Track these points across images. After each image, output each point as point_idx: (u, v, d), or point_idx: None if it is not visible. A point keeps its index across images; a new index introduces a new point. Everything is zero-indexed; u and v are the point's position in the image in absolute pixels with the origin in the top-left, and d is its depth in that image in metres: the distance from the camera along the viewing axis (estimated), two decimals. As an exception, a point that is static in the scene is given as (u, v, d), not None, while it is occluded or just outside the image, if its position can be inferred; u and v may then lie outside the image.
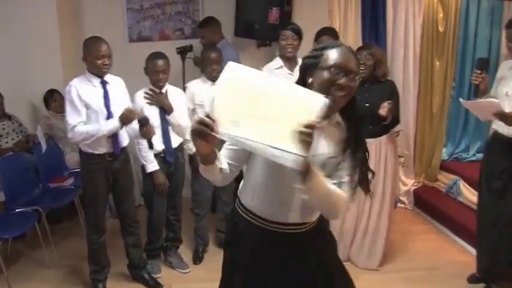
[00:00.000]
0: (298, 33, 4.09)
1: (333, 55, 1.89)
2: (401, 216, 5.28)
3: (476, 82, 3.38)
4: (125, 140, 3.61)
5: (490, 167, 3.61)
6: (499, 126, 3.47)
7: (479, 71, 3.38)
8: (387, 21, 5.36)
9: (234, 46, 4.98)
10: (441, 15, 5.42)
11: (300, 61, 3.93)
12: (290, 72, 4.08)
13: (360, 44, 5.10)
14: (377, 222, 4.13)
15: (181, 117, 3.83)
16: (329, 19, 5.28)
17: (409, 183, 5.60)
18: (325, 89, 1.84)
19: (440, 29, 5.44)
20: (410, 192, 5.56)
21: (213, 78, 4.01)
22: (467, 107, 3.66)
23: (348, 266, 4.04)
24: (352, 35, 5.27)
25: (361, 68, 3.78)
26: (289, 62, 4.13)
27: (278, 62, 4.14)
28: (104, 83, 3.46)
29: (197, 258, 4.25)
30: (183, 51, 4.82)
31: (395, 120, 3.98)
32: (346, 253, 4.20)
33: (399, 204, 5.53)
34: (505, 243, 3.55)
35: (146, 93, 3.76)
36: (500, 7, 5.51)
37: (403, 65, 5.41)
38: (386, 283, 3.95)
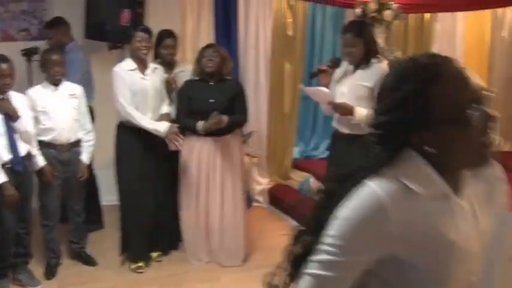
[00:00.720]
0: (151, 35, 4.11)
1: None
2: (257, 215, 5.48)
3: (320, 67, 3.85)
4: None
5: (334, 163, 3.93)
6: (338, 125, 3.84)
7: (329, 64, 3.85)
8: (239, 24, 5.53)
9: (83, 49, 4.83)
10: (290, 19, 5.70)
11: (151, 65, 3.97)
12: (142, 76, 4.08)
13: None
14: (233, 220, 4.31)
15: (27, 123, 3.68)
16: (181, 22, 5.31)
17: (263, 182, 5.81)
18: None
19: (289, 33, 5.71)
20: (265, 191, 5.78)
21: (56, 82, 3.92)
22: (307, 93, 4.15)
23: (210, 265, 4.25)
24: (205, 37, 5.35)
25: (209, 65, 4.09)
26: (142, 64, 4.11)
27: (131, 63, 4.09)
28: None
29: (49, 273, 4.08)
30: (29, 53, 4.63)
31: (244, 119, 4.32)
32: (207, 253, 4.36)
33: (255, 204, 5.73)
34: None
35: None
36: (342, 13, 5.92)
37: (255, 67, 5.62)
38: (248, 281, 4.08)
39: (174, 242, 4.49)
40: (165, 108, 4.27)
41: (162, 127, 3.97)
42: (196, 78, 4.22)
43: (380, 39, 5.47)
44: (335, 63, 3.86)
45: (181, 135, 4.00)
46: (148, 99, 4.08)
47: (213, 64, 4.13)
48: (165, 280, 4.10)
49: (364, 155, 1.42)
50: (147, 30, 4.09)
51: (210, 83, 4.19)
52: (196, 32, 5.39)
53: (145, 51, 4.05)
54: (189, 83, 4.26)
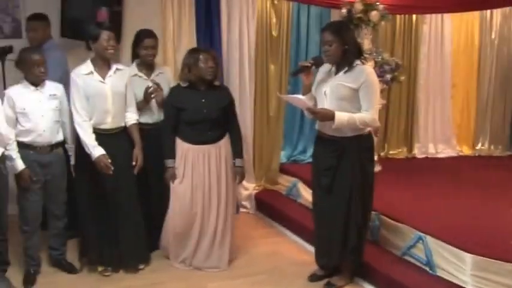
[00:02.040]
0: (117, 35, 4.08)
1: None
2: (243, 221, 5.48)
3: (301, 64, 3.85)
4: None
5: (318, 166, 3.98)
6: (320, 126, 3.89)
7: (312, 61, 3.84)
8: (222, 25, 5.53)
9: (62, 48, 4.77)
10: (274, 19, 5.73)
11: (114, 66, 3.90)
12: (101, 80, 4.00)
13: (195, 46, 5.22)
14: (224, 225, 4.31)
15: (0, 125, 3.62)
16: (162, 21, 5.29)
17: (250, 187, 5.81)
18: None
19: (274, 33, 5.73)
20: (251, 197, 5.79)
21: (39, 82, 3.87)
22: (285, 100, 4.45)
23: (195, 272, 4.19)
24: (187, 37, 5.35)
25: (210, 72, 4.12)
26: (105, 66, 4.03)
27: (88, 66, 3.99)
28: None
29: (28, 282, 4.01)
30: (2, 53, 4.55)
31: (240, 132, 4.48)
32: (189, 260, 4.33)
33: (241, 209, 5.72)
34: (337, 237, 3.90)
35: None
36: (327, 13, 5.96)
37: (239, 69, 5.62)
38: (235, 289, 4.08)
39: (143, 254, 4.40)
40: (133, 118, 4.21)
41: (96, 152, 3.90)
42: (184, 84, 4.19)
43: (366, 40, 5.49)
44: (318, 61, 3.86)
45: (110, 166, 3.93)
46: (107, 103, 4.01)
47: (213, 72, 4.15)
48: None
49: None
50: (113, 29, 4.04)
51: (201, 90, 4.19)
52: (178, 32, 5.37)
53: (112, 51, 3.98)
54: (176, 90, 4.26)
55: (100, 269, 4.19)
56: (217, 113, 4.17)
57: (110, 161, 3.93)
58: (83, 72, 3.96)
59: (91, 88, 3.95)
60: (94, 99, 3.96)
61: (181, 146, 4.20)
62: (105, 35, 3.92)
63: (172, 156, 4.21)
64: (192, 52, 4.23)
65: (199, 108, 4.12)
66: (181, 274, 4.27)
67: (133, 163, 4.13)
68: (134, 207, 4.22)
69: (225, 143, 4.31)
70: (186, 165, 4.20)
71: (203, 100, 4.14)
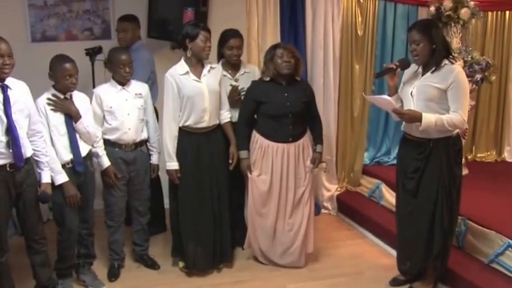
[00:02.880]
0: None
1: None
2: (324, 222, 5.42)
3: (390, 66, 3.75)
4: (28, 150, 3.43)
5: (403, 168, 3.88)
6: (406, 128, 3.79)
7: (397, 63, 3.75)
8: (306, 24, 5.47)
9: (148, 48, 4.87)
10: (360, 18, 5.61)
11: (208, 65, 3.94)
12: (197, 79, 4.02)
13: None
14: (300, 224, 4.30)
15: (88, 123, 3.74)
16: (247, 21, 5.30)
17: (332, 188, 5.72)
18: None
19: (359, 32, 5.62)
20: (333, 198, 5.70)
21: (125, 82, 3.95)
22: (370, 101, 4.47)
23: (276, 273, 4.23)
24: (271, 37, 5.33)
25: (287, 66, 4.11)
26: (200, 65, 4.05)
27: (184, 66, 4.02)
28: (4, 88, 3.27)
29: (112, 275, 4.14)
30: (92, 53, 4.71)
31: (321, 125, 4.47)
32: (268, 254, 4.39)
33: (323, 210, 5.65)
34: (421, 242, 3.76)
35: (49, 99, 3.62)
36: (415, 12, 5.79)
37: (323, 69, 5.53)
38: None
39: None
40: (227, 116, 4.24)
41: (172, 165, 4.01)
42: (266, 79, 4.18)
43: (456, 39, 5.29)
44: (404, 64, 3.75)
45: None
46: (205, 102, 4.02)
47: (291, 66, 4.12)
48: (229, 287, 4.07)
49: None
50: (209, 30, 4.05)
51: (282, 85, 4.19)
52: (262, 31, 5.37)
53: (208, 52, 4.01)
54: (257, 84, 4.25)
55: (181, 265, 4.25)
56: (300, 106, 4.17)
57: (179, 175, 4.04)
58: (180, 73, 3.99)
59: (188, 88, 3.98)
60: (192, 99, 3.99)
61: (261, 142, 4.21)
62: (202, 35, 3.93)
63: (246, 147, 4.22)
64: (271, 48, 4.23)
65: (282, 102, 4.12)
66: (262, 274, 4.28)
67: (230, 161, 4.17)
68: (226, 206, 4.25)
69: (305, 142, 4.28)
70: (265, 161, 4.20)
71: (286, 94, 4.14)
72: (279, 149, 4.18)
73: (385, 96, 3.76)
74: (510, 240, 3.80)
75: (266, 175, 4.22)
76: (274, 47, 4.18)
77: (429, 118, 3.49)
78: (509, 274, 3.76)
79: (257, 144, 4.22)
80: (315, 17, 5.47)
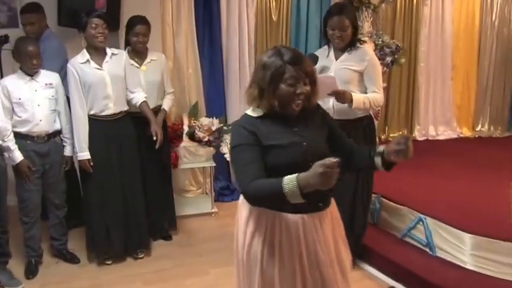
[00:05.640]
0: (108, 21, 3.99)
1: None
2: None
3: None
4: None
5: None
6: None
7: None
8: (221, 10, 5.48)
9: (58, 37, 4.72)
10: (274, 4, 5.66)
11: (109, 51, 3.84)
12: (98, 67, 3.96)
13: (194, 33, 5.26)
14: None
15: None
16: (161, 7, 5.22)
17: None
18: None
19: (274, 17, 5.67)
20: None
21: (32, 73, 3.84)
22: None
23: (196, 258, 4.18)
24: (186, 24, 5.29)
25: (299, 102, 2.78)
26: (99, 53, 3.99)
27: (84, 55, 3.96)
28: None
29: (30, 272, 4.01)
30: (-2, 42, 4.50)
31: None
32: None
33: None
34: (345, 219, 3.79)
35: None
36: (328, -3, 5.90)
37: (239, 54, 5.57)
38: (233, 276, 4.00)
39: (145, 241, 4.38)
40: (140, 97, 4.17)
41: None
42: (254, 114, 2.35)
43: (367, 23, 5.47)
44: (315, 60, 3.75)
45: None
46: (107, 90, 3.98)
47: (306, 97, 2.35)
48: (150, 276, 4.05)
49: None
50: (102, 16, 3.96)
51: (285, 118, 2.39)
52: (177, 17, 5.30)
53: (101, 38, 3.92)
54: (249, 121, 2.35)
55: (103, 257, 4.19)
56: (323, 144, 2.48)
57: (92, 164, 3.97)
58: (80, 61, 3.93)
59: (89, 76, 3.92)
60: (94, 87, 3.93)
61: (267, 219, 2.36)
62: (91, 23, 3.86)
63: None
64: (274, 64, 2.29)
65: (295, 143, 2.35)
66: (183, 261, 4.28)
67: (154, 138, 4.09)
68: (139, 193, 4.23)
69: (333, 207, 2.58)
70: (273, 245, 2.38)
71: (296, 129, 2.38)
72: (306, 226, 2.37)
73: (332, 75, 3.67)
74: (421, 215, 4.00)
75: (276, 265, 2.39)
76: (280, 65, 2.25)
77: (359, 97, 3.60)
78: (421, 246, 3.97)
79: (260, 226, 2.39)
80: (229, 3, 5.49)
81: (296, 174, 2.06)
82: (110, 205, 4.08)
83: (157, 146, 4.11)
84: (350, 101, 3.56)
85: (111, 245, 4.16)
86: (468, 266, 3.66)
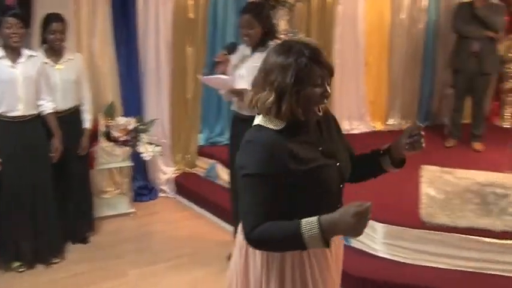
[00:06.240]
0: (24, 20, 3.95)
1: None
2: (163, 205, 5.54)
3: (216, 59, 3.92)
4: None
5: (236, 146, 3.98)
6: (236, 107, 3.98)
7: (225, 52, 3.91)
8: (137, 9, 5.44)
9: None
10: (191, 1, 5.66)
11: (26, 52, 3.78)
12: (12, 64, 3.91)
13: (110, 33, 5.21)
14: None
15: None
16: (75, 4, 5.11)
17: (169, 171, 5.81)
18: None
19: (191, 15, 5.68)
20: (170, 181, 5.78)
21: None
22: (206, 83, 4.25)
23: (113, 260, 4.21)
24: (101, 23, 5.21)
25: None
26: (14, 52, 3.93)
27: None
28: None
29: None
30: None
31: None
32: None
33: (161, 194, 5.74)
34: None
35: None
36: (245, -5, 5.98)
37: (155, 53, 5.56)
38: (154, 275, 4.12)
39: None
40: (49, 107, 4.13)
41: None
42: (276, 127, 1.96)
43: (283, 21, 5.59)
44: (231, 49, 3.93)
45: None
46: (18, 90, 3.92)
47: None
48: (65, 282, 4.00)
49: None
50: (18, 15, 3.90)
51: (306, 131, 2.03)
52: (92, 15, 5.20)
53: (16, 38, 3.86)
54: (278, 138, 1.94)
55: (15, 265, 4.11)
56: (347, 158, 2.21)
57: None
58: None
59: (1, 73, 3.85)
60: (4, 85, 3.86)
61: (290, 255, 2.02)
62: (6, 22, 3.80)
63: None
64: (300, 56, 1.95)
65: (327, 162, 2.03)
66: (100, 264, 4.26)
67: (53, 154, 4.08)
68: (50, 197, 4.16)
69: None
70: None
71: (320, 148, 2.03)
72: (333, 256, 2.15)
73: (222, 76, 3.86)
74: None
75: None
76: (306, 63, 1.88)
77: None
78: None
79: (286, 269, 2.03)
80: (146, 1, 5.45)
81: (316, 217, 1.75)
82: (17, 211, 4.01)
83: (54, 161, 4.12)
84: None
85: (19, 252, 4.08)
86: (380, 254, 3.91)
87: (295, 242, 1.77)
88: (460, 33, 6.21)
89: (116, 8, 5.34)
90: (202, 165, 5.88)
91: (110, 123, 5.00)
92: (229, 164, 4.29)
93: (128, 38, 5.46)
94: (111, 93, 5.31)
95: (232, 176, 4.15)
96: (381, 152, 2.22)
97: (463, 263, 3.77)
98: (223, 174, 5.36)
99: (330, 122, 2.17)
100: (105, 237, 4.75)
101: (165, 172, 5.78)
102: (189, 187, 5.63)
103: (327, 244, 1.74)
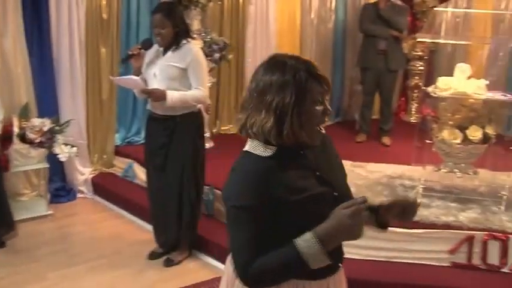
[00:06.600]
0: None
1: None
2: (81, 206, 5.52)
3: (130, 52, 3.98)
4: None
5: (151, 145, 4.16)
6: (152, 107, 4.06)
7: (139, 47, 4.01)
8: (50, 9, 5.37)
9: None
10: (104, 2, 5.67)
11: None
12: None
13: (22, 33, 5.12)
14: None
15: None
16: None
17: (86, 172, 5.78)
18: None
19: (104, 16, 5.69)
20: (88, 181, 5.77)
21: None
22: (118, 83, 4.45)
23: (31, 263, 4.17)
24: (13, 23, 5.10)
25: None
26: None
27: None
28: None
29: None
30: None
31: None
32: None
33: (78, 195, 5.71)
34: (172, 214, 4.14)
35: None
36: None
37: (69, 54, 5.51)
38: (74, 277, 4.13)
39: None
40: None
41: None
42: (265, 153, 1.80)
43: (196, 21, 5.70)
44: (146, 45, 4.03)
45: None
46: None
47: None
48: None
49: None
50: None
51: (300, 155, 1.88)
52: (3, 17, 5.07)
53: None
54: (268, 165, 1.79)
55: None
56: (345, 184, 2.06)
57: None
58: None
59: None
60: None
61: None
62: None
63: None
64: (300, 76, 1.83)
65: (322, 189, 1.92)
66: (18, 268, 4.21)
67: None
68: None
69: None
70: None
71: (318, 173, 1.90)
72: None
73: (133, 77, 3.97)
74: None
75: None
76: (306, 79, 1.74)
77: (173, 95, 3.81)
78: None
79: None
80: (58, 1, 5.38)
81: (310, 232, 1.63)
82: None
83: None
84: (164, 98, 3.80)
85: None
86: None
87: (297, 265, 1.64)
88: (366, 32, 6.57)
89: (28, 8, 5.26)
90: (120, 165, 5.91)
91: (25, 125, 4.94)
92: (145, 163, 4.37)
93: (41, 38, 5.39)
94: (25, 94, 5.23)
95: (150, 175, 4.23)
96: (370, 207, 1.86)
97: (375, 253, 3.96)
98: (141, 174, 5.39)
99: (327, 144, 1.97)
100: (23, 240, 4.68)
101: (83, 173, 5.75)
102: (107, 187, 5.64)
103: (331, 257, 1.63)
